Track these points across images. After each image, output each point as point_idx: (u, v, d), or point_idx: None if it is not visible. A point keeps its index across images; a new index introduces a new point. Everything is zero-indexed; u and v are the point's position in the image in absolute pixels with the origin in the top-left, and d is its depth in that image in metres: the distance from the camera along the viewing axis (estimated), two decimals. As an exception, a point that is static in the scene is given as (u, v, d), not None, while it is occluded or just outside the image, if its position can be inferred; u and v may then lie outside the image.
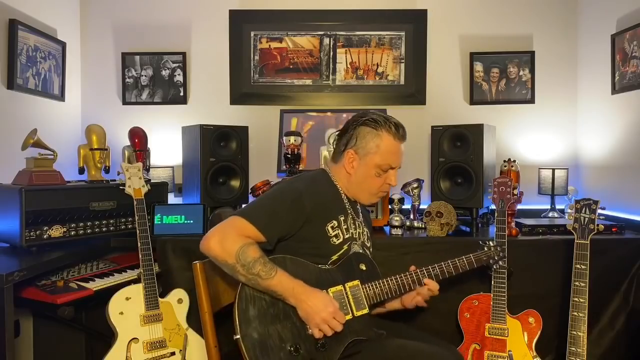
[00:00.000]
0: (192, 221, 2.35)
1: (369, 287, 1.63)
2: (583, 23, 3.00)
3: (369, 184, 1.73)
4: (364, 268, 1.67)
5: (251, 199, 2.53)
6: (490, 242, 1.92)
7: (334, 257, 1.65)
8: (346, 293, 1.59)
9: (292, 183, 1.66)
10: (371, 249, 1.83)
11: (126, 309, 1.98)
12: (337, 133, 1.82)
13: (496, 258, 1.89)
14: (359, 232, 1.75)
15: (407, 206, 2.59)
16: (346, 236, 1.68)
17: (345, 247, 1.67)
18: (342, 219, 1.68)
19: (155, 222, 2.32)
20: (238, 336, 1.44)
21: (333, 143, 1.80)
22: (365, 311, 1.60)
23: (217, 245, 1.49)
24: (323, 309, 1.47)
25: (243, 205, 2.61)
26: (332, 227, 1.65)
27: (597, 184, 2.85)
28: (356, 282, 1.62)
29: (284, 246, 1.61)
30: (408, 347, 1.54)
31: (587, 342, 1.92)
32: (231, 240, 1.49)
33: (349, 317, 1.55)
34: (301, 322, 1.50)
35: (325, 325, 1.47)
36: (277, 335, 1.48)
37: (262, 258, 1.49)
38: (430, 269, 1.73)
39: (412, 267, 1.75)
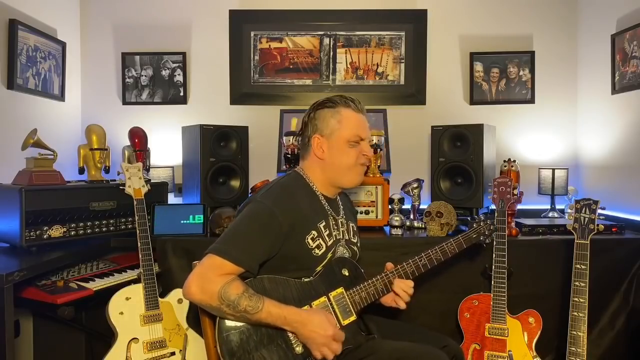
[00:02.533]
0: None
1: (354, 292, 1.58)
2: (583, 23, 3.00)
3: (345, 158, 1.63)
4: (346, 273, 1.60)
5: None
6: (481, 217, 1.89)
7: (319, 269, 1.58)
8: (331, 304, 1.54)
9: (262, 202, 1.54)
10: (358, 244, 1.76)
11: (126, 309, 1.98)
12: (298, 132, 1.71)
13: (487, 233, 1.84)
14: (342, 231, 1.68)
15: (407, 206, 2.59)
16: (329, 243, 1.60)
17: (330, 254, 1.60)
18: (322, 225, 1.60)
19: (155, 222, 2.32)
20: None
21: (297, 141, 1.71)
22: (353, 318, 1.55)
23: (197, 290, 1.42)
24: (320, 333, 1.43)
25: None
26: (312, 239, 1.57)
27: (597, 184, 2.85)
28: (340, 289, 1.56)
29: (266, 265, 1.54)
30: (402, 349, 1.52)
31: (587, 342, 1.92)
32: (210, 283, 1.42)
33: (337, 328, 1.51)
34: (286, 342, 1.47)
35: (325, 348, 1.44)
36: None
37: (246, 292, 1.42)
38: (417, 260, 1.68)
39: (390, 265, 1.70)
